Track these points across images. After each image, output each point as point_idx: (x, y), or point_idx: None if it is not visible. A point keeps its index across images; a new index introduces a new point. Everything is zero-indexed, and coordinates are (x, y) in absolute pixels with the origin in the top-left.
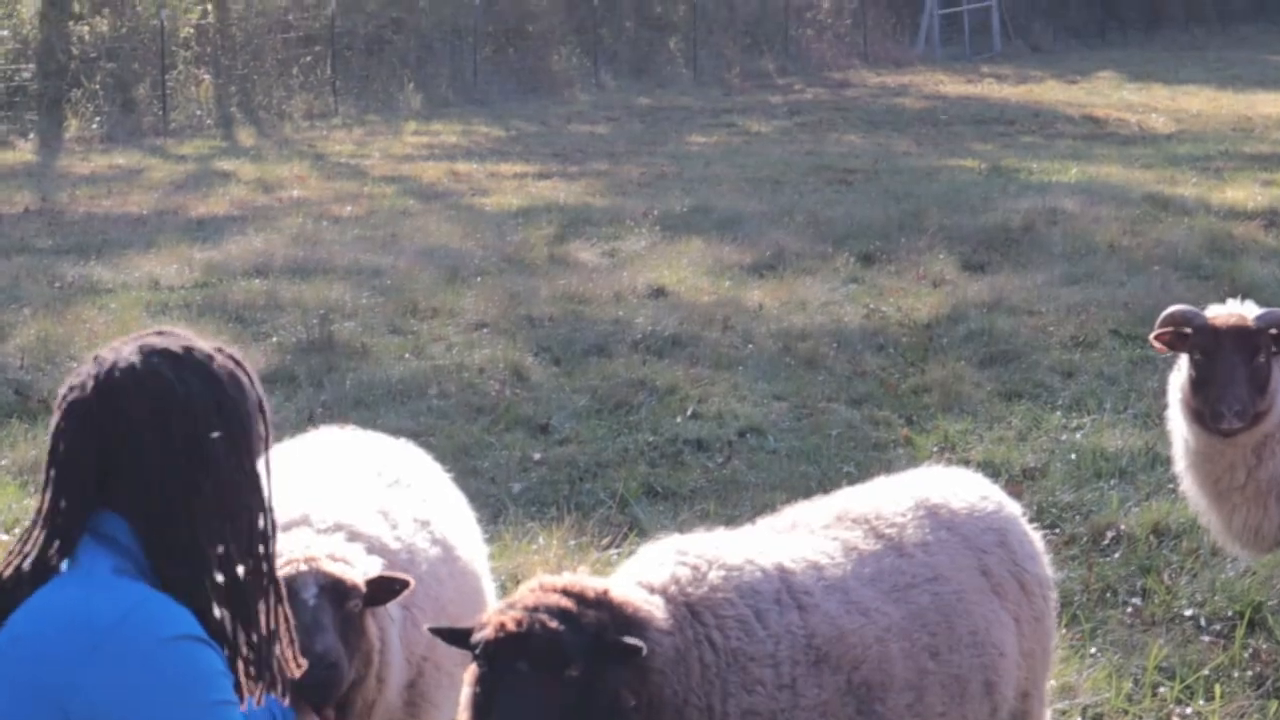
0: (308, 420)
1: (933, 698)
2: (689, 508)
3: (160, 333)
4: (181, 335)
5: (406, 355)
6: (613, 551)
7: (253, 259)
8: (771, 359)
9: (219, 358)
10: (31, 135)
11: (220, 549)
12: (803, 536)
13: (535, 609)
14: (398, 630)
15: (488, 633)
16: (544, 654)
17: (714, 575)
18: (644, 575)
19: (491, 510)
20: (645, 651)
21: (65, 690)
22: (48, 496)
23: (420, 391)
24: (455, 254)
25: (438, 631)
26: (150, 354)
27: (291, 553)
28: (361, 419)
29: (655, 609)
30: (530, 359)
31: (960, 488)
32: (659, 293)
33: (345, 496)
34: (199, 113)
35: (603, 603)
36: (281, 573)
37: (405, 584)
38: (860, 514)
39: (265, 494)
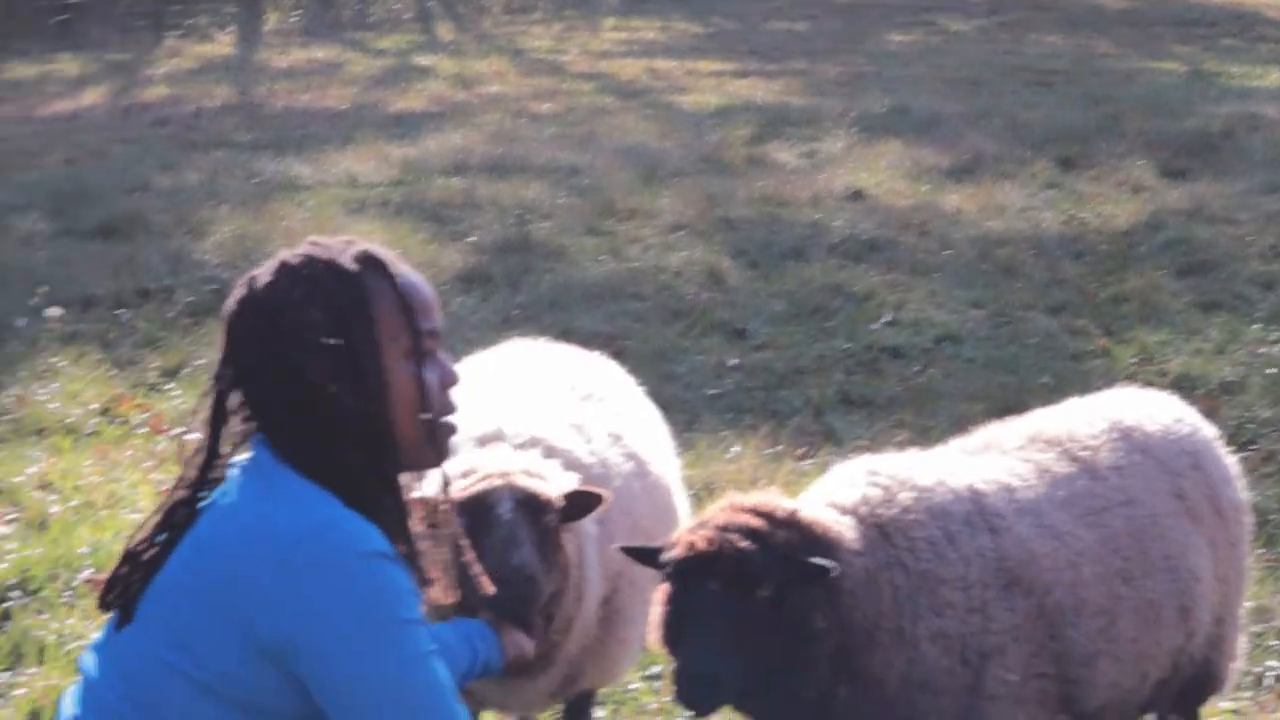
0: (503, 322)
1: (1125, 623)
2: (885, 417)
3: (313, 241)
4: (325, 244)
5: (603, 257)
6: (807, 463)
7: (450, 156)
8: (968, 265)
9: (344, 263)
10: (230, 28)
11: (363, 459)
12: (995, 458)
13: (725, 528)
14: (595, 545)
15: (678, 552)
16: (734, 574)
17: (905, 496)
18: (834, 495)
19: (687, 417)
20: (835, 572)
21: (253, 605)
22: (211, 406)
23: (616, 294)
24: (652, 153)
25: (629, 550)
26: (275, 270)
27: (486, 468)
28: (557, 321)
29: (846, 530)
30: (727, 262)
31: (1155, 410)
32: (856, 195)
33: (539, 411)
34: (397, 6)
35: (793, 523)
36: (476, 489)
37: (601, 499)
38: (1053, 436)
39: (416, 399)
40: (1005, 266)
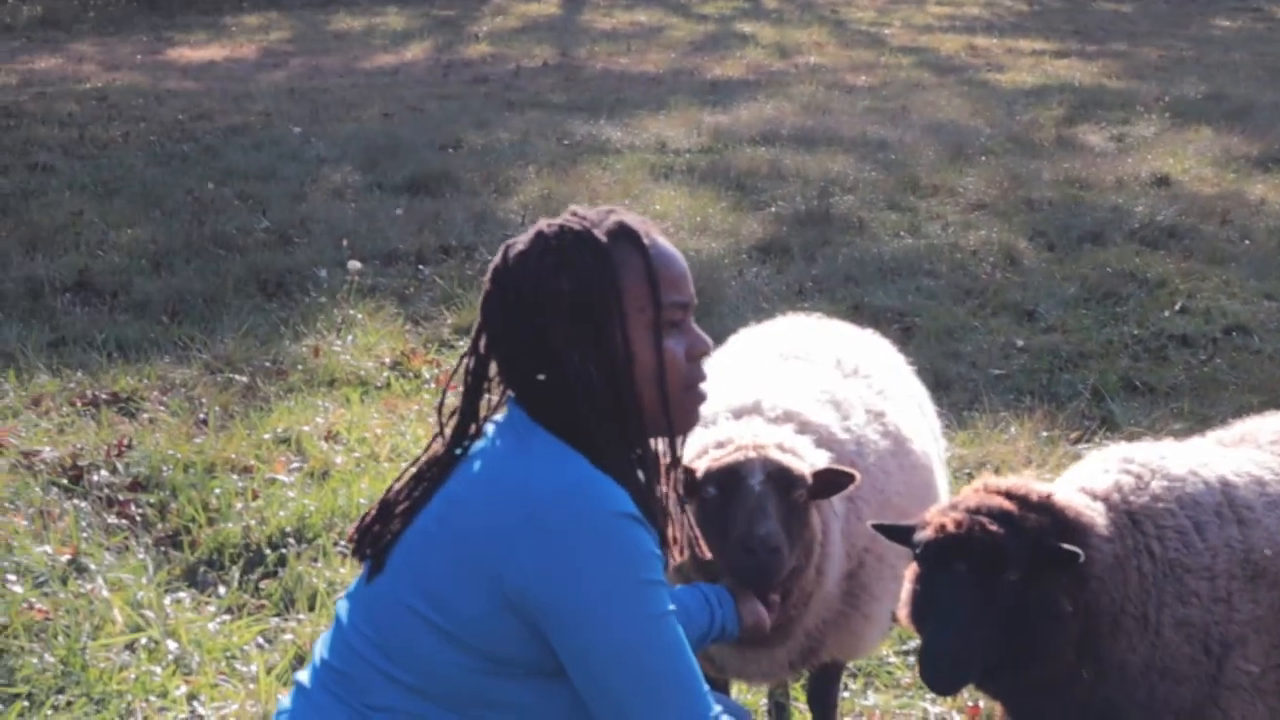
0: (797, 293)
1: None
2: (1165, 405)
3: (573, 211)
4: (584, 214)
5: (902, 233)
6: (1081, 446)
7: (760, 125)
8: (1266, 256)
9: (597, 234)
10: None
11: (607, 424)
12: (1249, 451)
13: (977, 511)
14: (840, 524)
15: (928, 533)
16: (983, 556)
17: (1156, 485)
18: (1087, 481)
19: (968, 396)
20: (1083, 558)
21: (502, 558)
22: (468, 366)
23: (911, 270)
24: (962, 130)
25: (881, 528)
26: (531, 239)
27: (740, 440)
28: (850, 295)
29: (1097, 515)
30: (1024, 243)
31: None
32: (1161, 181)
33: (799, 386)
34: None
35: (1045, 507)
36: (729, 459)
37: (851, 478)
38: None
39: (658, 369)
40: None
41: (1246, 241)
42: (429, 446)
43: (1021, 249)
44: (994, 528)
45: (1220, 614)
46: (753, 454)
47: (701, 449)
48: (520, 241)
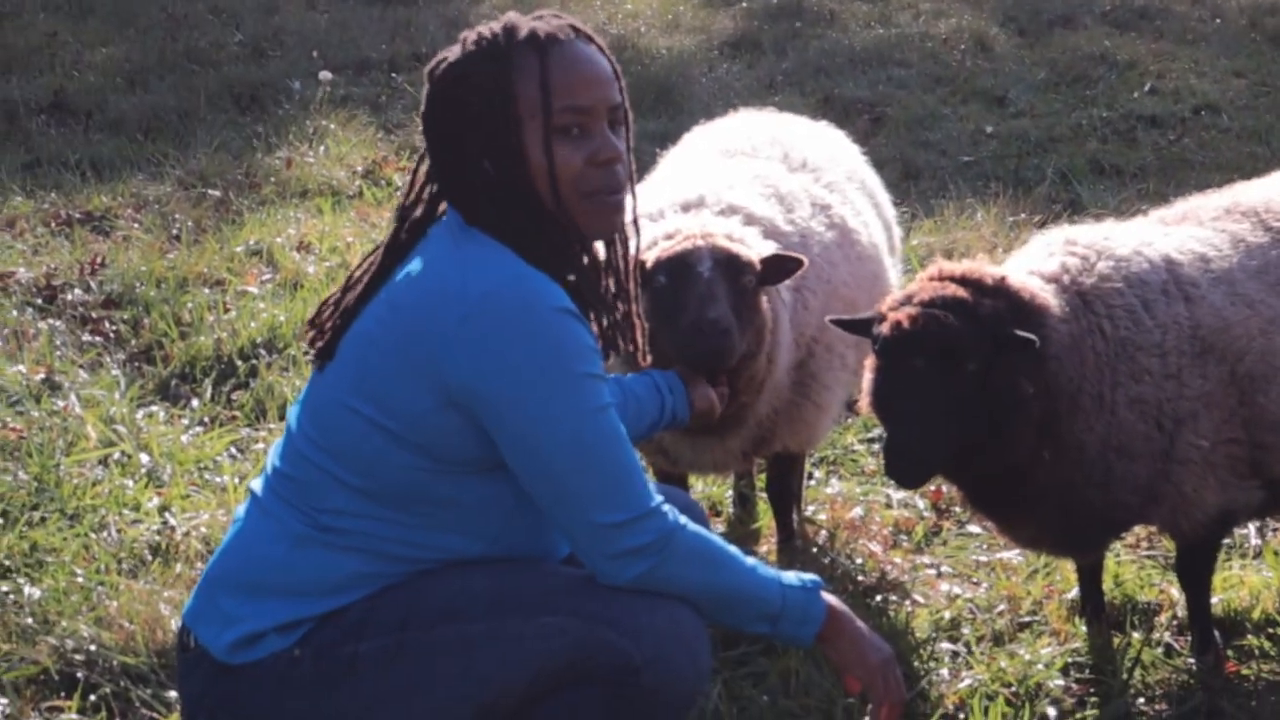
0: (767, 88)
1: None
2: (1132, 186)
3: (509, 16)
4: (514, 20)
5: (873, 23)
6: (1047, 230)
7: None
8: (1237, 34)
9: (502, 41)
10: None
11: (526, 225)
12: (1191, 228)
13: (931, 304)
14: (789, 312)
15: (884, 329)
16: (941, 351)
17: (1103, 265)
18: (1033, 265)
19: (937, 184)
20: (1039, 344)
21: (441, 357)
22: (413, 170)
23: (882, 60)
24: None
25: (838, 322)
26: (459, 45)
27: (688, 231)
28: (820, 87)
29: (1051, 297)
30: (995, 29)
31: None
32: None
33: (744, 180)
34: None
35: (1000, 290)
36: (678, 249)
37: (799, 263)
38: (1250, 206)
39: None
40: (1273, 36)
41: (1218, 20)
42: (377, 247)
43: (992, 35)
44: (951, 320)
45: (1171, 390)
46: (701, 243)
47: (651, 241)
48: (450, 51)
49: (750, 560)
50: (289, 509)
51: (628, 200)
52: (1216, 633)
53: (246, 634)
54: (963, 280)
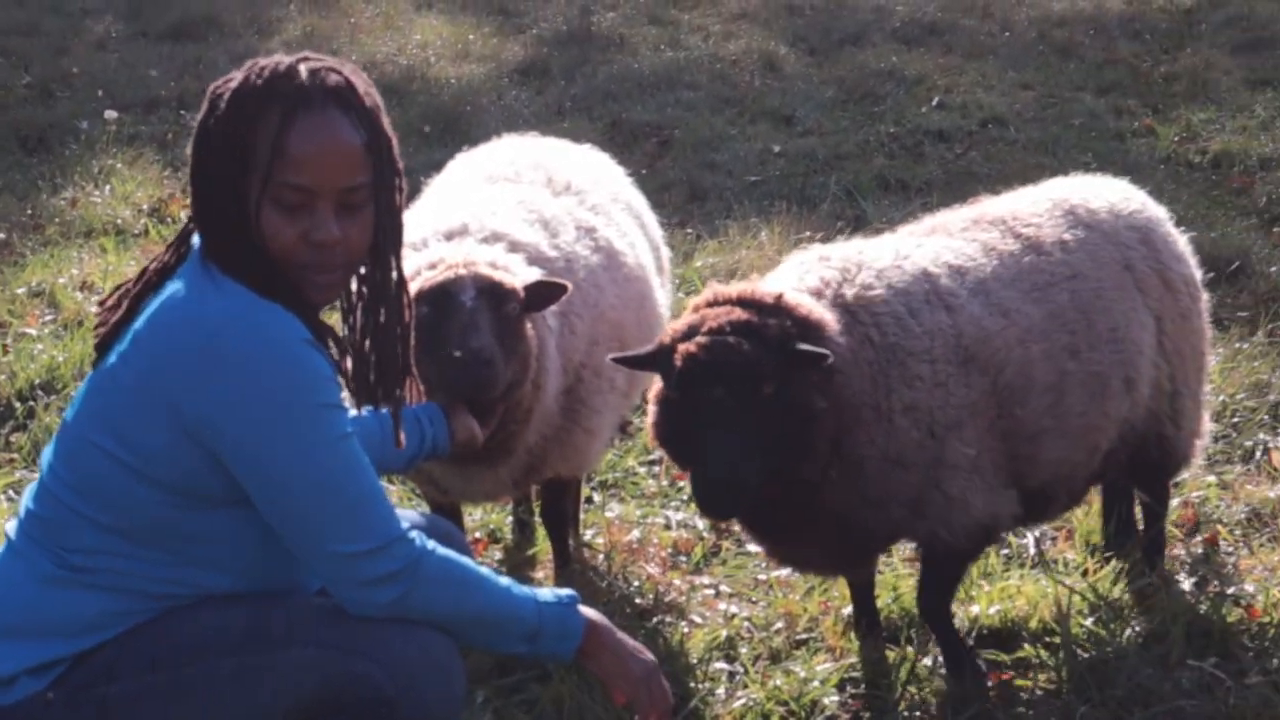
0: (556, 114)
1: (1072, 398)
2: (918, 200)
3: (321, 65)
4: (277, 64)
5: (662, 46)
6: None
7: None
8: (1026, 47)
9: (258, 84)
10: None
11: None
12: (942, 240)
13: (720, 330)
14: (555, 338)
15: (678, 362)
16: (738, 378)
17: (864, 276)
18: (791, 282)
19: (723, 205)
20: (831, 357)
21: (179, 389)
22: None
23: (671, 84)
24: None
25: (619, 359)
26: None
27: (451, 259)
28: (608, 111)
29: (825, 311)
30: (785, 49)
31: (1102, 190)
32: None
33: (507, 206)
34: None
35: (780, 309)
36: (440, 278)
37: (563, 289)
38: (997, 215)
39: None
40: (1061, 47)
41: (1006, 34)
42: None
43: (781, 55)
44: (744, 345)
45: (940, 398)
46: (463, 271)
47: (414, 271)
48: (235, 75)
49: (504, 580)
50: (39, 549)
51: (341, 278)
52: (970, 644)
53: (1, 675)
54: (741, 302)
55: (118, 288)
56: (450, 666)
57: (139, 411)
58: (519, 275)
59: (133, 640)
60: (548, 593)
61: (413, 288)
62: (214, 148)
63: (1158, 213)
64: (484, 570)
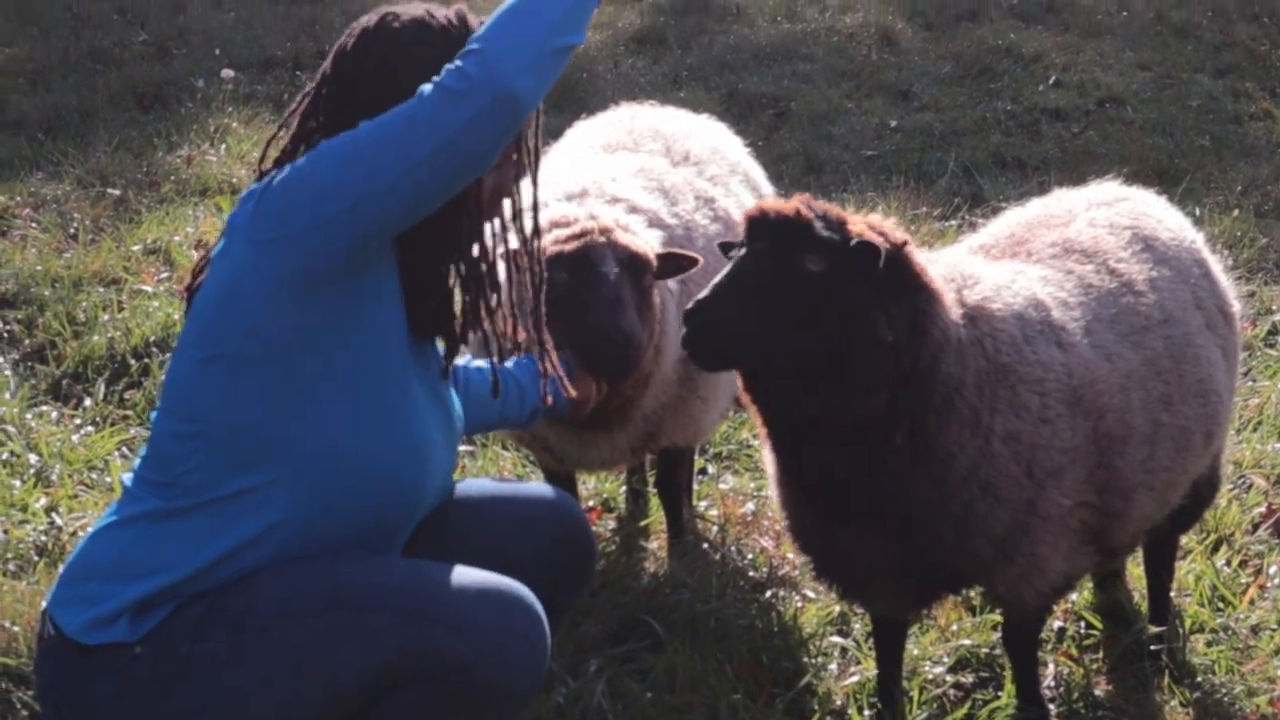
0: (672, 83)
1: (1162, 452)
2: (1035, 178)
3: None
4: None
5: (779, 18)
6: (947, 223)
7: None
8: (1143, 27)
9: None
10: None
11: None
12: (1038, 268)
13: (812, 206)
14: (675, 301)
15: (749, 210)
16: (786, 234)
17: (982, 287)
18: None
19: (840, 178)
20: (884, 257)
21: (277, 245)
22: (299, 118)
23: (787, 55)
24: None
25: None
26: (415, 19)
27: (579, 218)
28: (725, 82)
29: (950, 292)
30: (901, 23)
31: (1158, 213)
32: None
33: (628, 173)
34: None
35: (901, 247)
36: (580, 243)
37: (694, 261)
38: (1084, 247)
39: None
40: (1179, 28)
41: (1124, 13)
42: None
43: (899, 30)
44: (807, 213)
45: (1045, 436)
46: (601, 239)
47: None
48: (402, 15)
49: None
50: (148, 489)
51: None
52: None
53: (105, 613)
54: (866, 222)
55: (205, 253)
56: (531, 632)
57: (220, 298)
58: (644, 237)
59: (221, 601)
60: None
61: (545, 245)
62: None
63: (1200, 237)
64: None
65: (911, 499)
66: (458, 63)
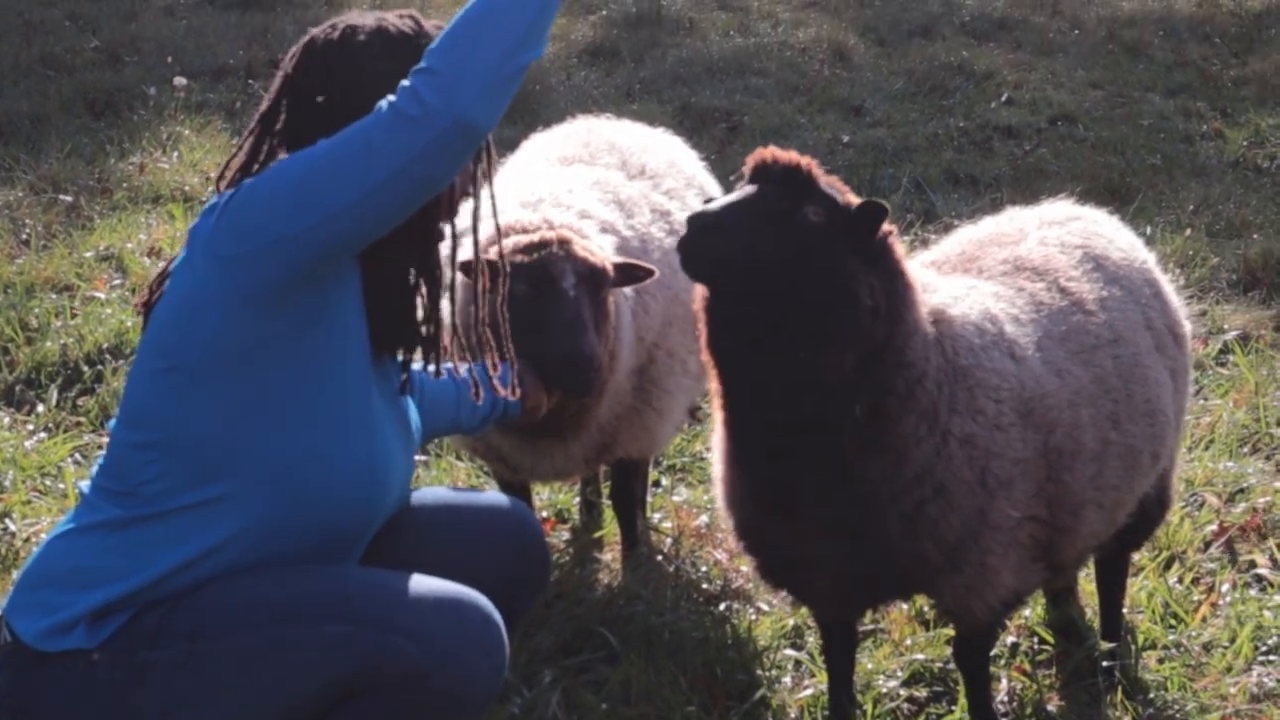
0: (625, 96)
1: (1110, 470)
2: (986, 195)
3: (413, 17)
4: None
5: (732, 32)
6: (901, 238)
7: None
8: (1095, 46)
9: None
10: None
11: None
12: (990, 284)
13: (814, 164)
14: (629, 313)
15: (748, 159)
16: (789, 178)
17: (940, 295)
18: None
19: None
20: (889, 230)
21: (234, 263)
22: (256, 131)
23: (740, 70)
24: None
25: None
26: (349, 27)
27: (536, 224)
28: (678, 95)
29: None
30: (854, 39)
31: (1108, 232)
32: None
33: (584, 185)
34: None
35: (887, 237)
36: (537, 256)
37: (649, 273)
38: (1034, 265)
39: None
40: (1130, 47)
41: (1076, 31)
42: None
43: (851, 45)
44: (814, 171)
45: (1000, 443)
46: (560, 250)
47: (489, 238)
48: (360, 27)
49: None
50: (107, 498)
51: None
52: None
53: (62, 621)
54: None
55: (165, 265)
56: (489, 641)
57: (180, 310)
58: (598, 243)
59: (177, 610)
60: None
61: (506, 246)
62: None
63: (1152, 257)
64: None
65: (863, 490)
66: (413, 82)
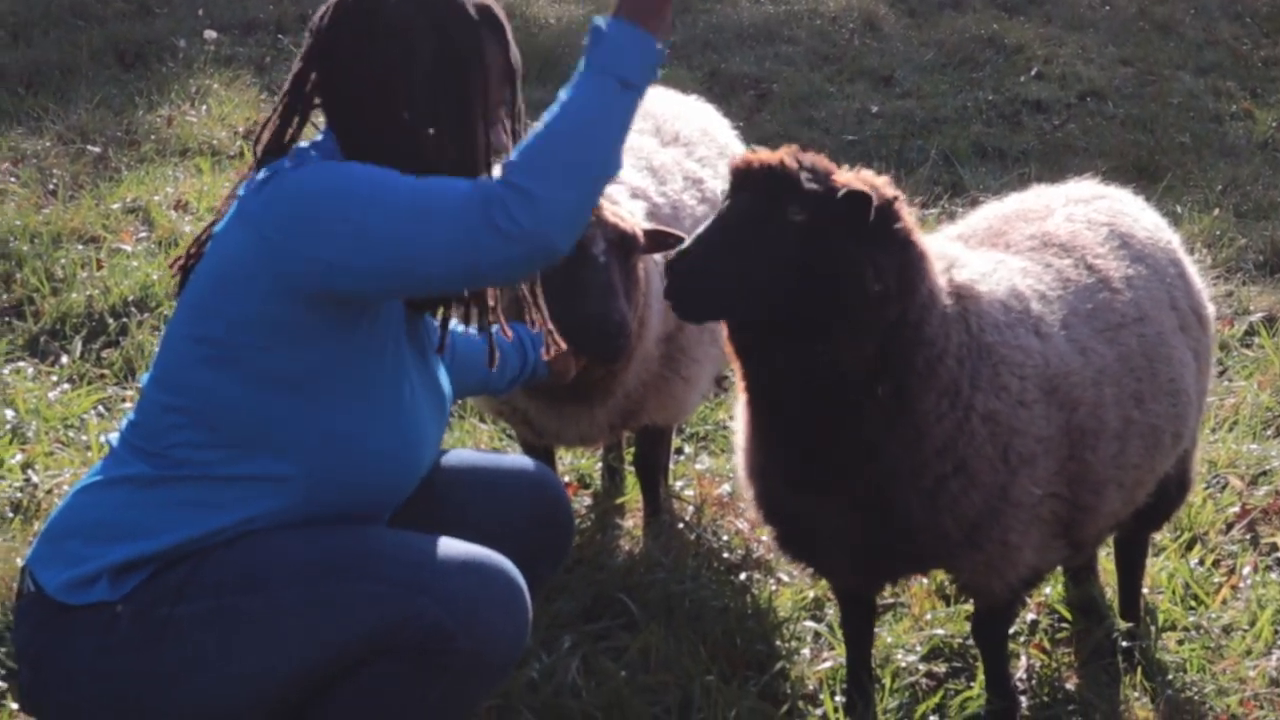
0: None
1: (1131, 449)
2: (1014, 169)
3: None
4: None
5: None
6: (929, 211)
7: None
8: (1125, 22)
9: (465, 7)
10: None
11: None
12: (1017, 260)
13: (797, 158)
14: (659, 280)
15: (734, 162)
16: (769, 184)
17: (968, 270)
18: None
19: None
20: (875, 209)
21: (279, 253)
22: (289, 91)
23: (770, 37)
24: None
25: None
26: None
27: None
28: (707, 62)
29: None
30: (884, 9)
31: (1136, 212)
32: None
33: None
34: None
35: (891, 201)
36: None
37: (680, 240)
38: (1062, 241)
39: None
40: (1162, 24)
41: (1107, 7)
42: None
43: (881, 15)
44: (794, 164)
45: (1023, 421)
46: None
47: None
48: None
49: (565, 100)
50: (136, 454)
51: None
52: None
53: (86, 574)
54: (862, 179)
55: (208, 226)
56: (513, 604)
57: (220, 280)
58: (628, 208)
59: (205, 564)
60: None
61: None
62: (424, 60)
63: (1176, 238)
64: (552, 118)
65: (884, 466)
66: (505, 195)
